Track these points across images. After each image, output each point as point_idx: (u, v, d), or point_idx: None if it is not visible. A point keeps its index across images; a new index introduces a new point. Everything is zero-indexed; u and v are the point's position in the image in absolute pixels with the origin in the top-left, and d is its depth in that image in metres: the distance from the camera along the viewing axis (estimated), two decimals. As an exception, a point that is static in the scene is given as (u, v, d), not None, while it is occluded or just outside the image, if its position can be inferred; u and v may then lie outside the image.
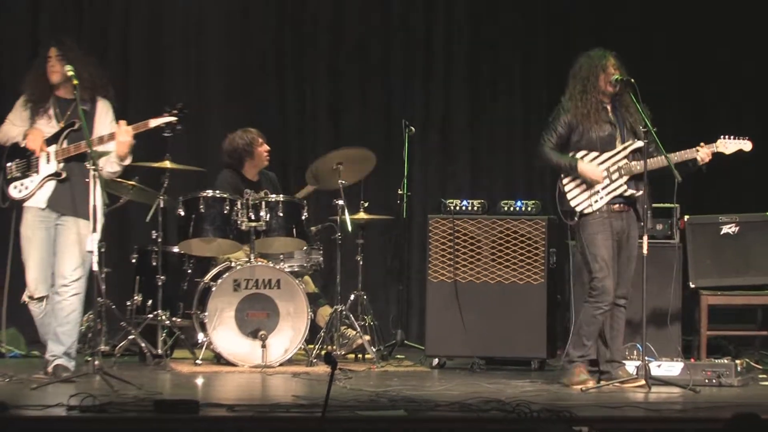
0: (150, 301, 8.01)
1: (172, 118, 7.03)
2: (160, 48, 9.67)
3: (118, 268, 8.45)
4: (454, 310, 7.93)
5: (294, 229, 7.96)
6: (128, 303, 8.10)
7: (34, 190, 6.93)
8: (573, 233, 7.09)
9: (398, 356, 8.54)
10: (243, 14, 9.78)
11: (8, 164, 6.97)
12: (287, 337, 7.81)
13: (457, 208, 8.07)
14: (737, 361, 7.18)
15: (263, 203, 7.91)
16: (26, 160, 6.94)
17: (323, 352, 7.81)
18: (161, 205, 7.95)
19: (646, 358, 6.86)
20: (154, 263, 7.97)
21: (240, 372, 7.60)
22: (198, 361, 7.74)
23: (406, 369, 8.03)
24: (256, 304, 7.80)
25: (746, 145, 7.03)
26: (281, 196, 8.05)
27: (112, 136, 6.86)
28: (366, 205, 8.38)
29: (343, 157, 8.13)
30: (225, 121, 9.32)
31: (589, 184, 6.97)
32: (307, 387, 6.91)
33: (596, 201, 6.97)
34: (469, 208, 8.07)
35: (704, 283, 7.99)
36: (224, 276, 7.81)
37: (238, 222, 7.89)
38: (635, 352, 7.17)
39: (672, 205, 7.74)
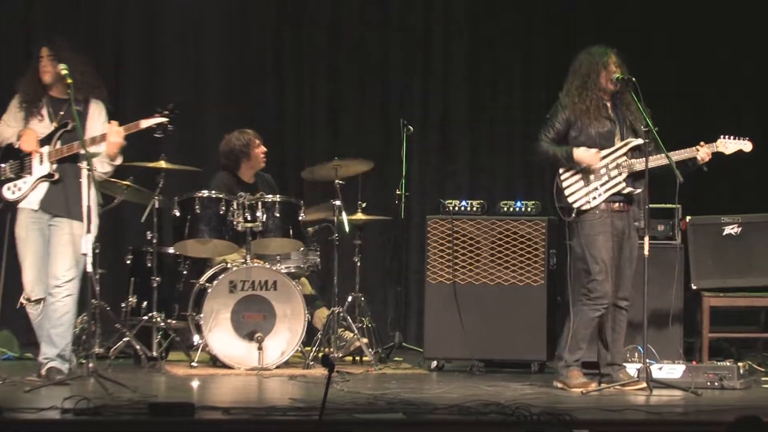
0: (145, 303, 7.99)
1: (164, 119, 7.02)
2: (156, 48, 9.66)
3: (113, 270, 8.42)
4: (452, 312, 7.91)
5: (291, 230, 7.95)
6: (123, 305, 8.08)
7: (27, 192, 6.92)
8: (570, 231, 7.04)
9: (396, 358, 8.54)
10: (241, 13, 9.78)
11: (2, 165, 6.96)
12: (284, 339, 7.79)
13: (456, 208, 8.06)
14: (740, 364, 7.18)
15: (259, 204, 7.90)
16: (20, 161, 6.94)
17: (320, 355, 7.83)
18: (156, 206, 7.94)
19: (647, 360, 6.86)
20: (149, 264, 7.96)
21: (236, 374, 7.59)
22: (193, 364, 7.74)
23: (404, 371, 8.02)
24: (252, 306, 7.78)
25: (746, 146, 7.02)
26: (278, 196, 8.05)
27: (104, 137, 6.85)
28: (364, 205, 8.39)
29: (341, 163, 8.17)
30: (222, 121, 9.32)
31: (587, 180, 6.95)
32: (304, 390, 6.90)
33: (594, 198, 6.95)
34: (469, 208, 8.06)
35: (706, 285, 7.97)
36: (220, 277, 7.80)
37: (234, 223, 7.88)
38: (636, 354, 7.17)
39: (673, 206, 7.74)
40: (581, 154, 6.92)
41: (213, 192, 7.96)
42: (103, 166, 6.93)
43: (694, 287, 7.95)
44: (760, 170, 9.15)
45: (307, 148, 9.67)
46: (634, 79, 6.89)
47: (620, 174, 6.95)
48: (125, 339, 7.79)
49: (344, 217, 8.04)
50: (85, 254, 6.61)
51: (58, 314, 6.85)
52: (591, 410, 5.92)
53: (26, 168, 6.91)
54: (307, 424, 5.36)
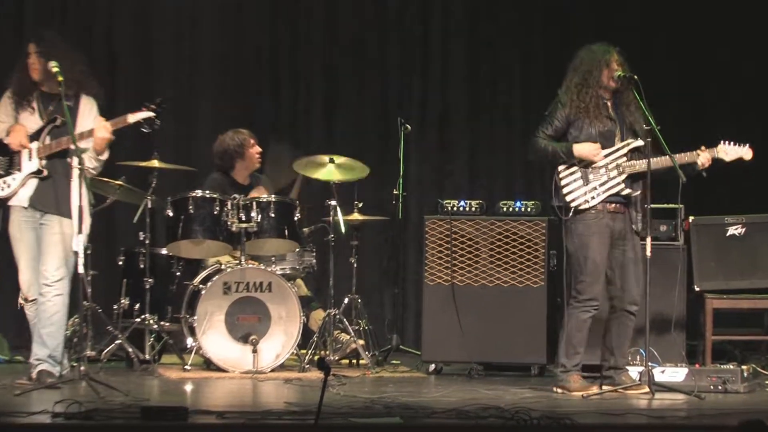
0: (137, 305, 7.97)
1: (151, 114, 6.99)
2: (148, 43, 9.66)
3: (105, 271, 8.39)
4: (451, 314, 7.88)
5: (286, 231, 7.93)
6: (115, 307, 8.05)
7: (16, 188, 6.90)
8: (566, 230, 7.01)
9: (394, 362, 8.51)
10: (236, 8, 9.77)
11: (-9, 161, 6.99)
12: (279, 341, 7.76)
13: (455, 208, 8.04)
14: (743, 367, 7.16)
15: (254, 204, 7.89)
16: (9, 157, 6.90)
17: (316, 358, 7.78)
18: (149, 206, 7.92)
19: (650, 363, 6.85)
20: (142, 265, 7.94)
21: (230, 378, 7.56)
22: (187, 367, 7.71)
23: (401, 375, 7.99)
24: (246, 308, 7.76)
25: (747, 154, 7.02)
26: (273, 196, 8.03)
27: (91, 132, 6.83)
28: (360, 205, 8.38)
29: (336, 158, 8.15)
30: (216, 118, 9.35)
31: (586, 179, 6.93)
32: (299, 393, 6.88)
33: (593, 197, 6.93)
34: (467, 208, 8.05)
35: (709, 286, 7.95)
36: (214, 279, 7.76)
37: (229, 223, 7.85)
38: (638, 357, 7.15)
39: (676, 206, 7.73)
40: (582, 148, 6.90)
41: (207, 192, 7.94)
42: (90, 161, 6.90)
43: (697, 289, 7.93)
44: (762, 170, 9.10)
45: (302, 146, 9.59)
46: (635, 76, 6.87)
47: (620, 175, 6.94)
48: (117, 342, 7.78)
49: (340, 217, 8.01)
50: (76, 252, 6.59)
51: (48, 314, 6.83)
52: (592, 414, 5.91)
53: (15, 164, 6.88)
54: (303, 429, 5.35)
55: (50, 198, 6.84)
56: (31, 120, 6.93)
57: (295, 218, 7.95)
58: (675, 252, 7.71)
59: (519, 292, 7.88)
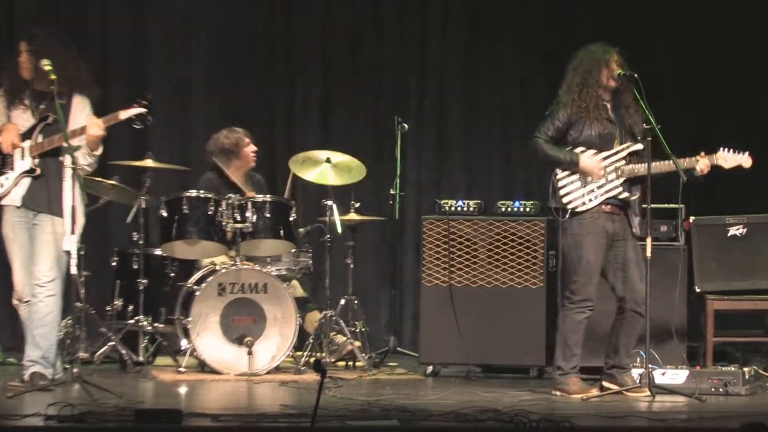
0: (131, 306, 7.95)
1: (142, 110, 6.95)
2: (142, 41, 9.65)
3: (98, 272, 8.35)
4: (449, 316, 7.86)
5: (281, 231, 7.91)
6: (108, 308, 8.04)
7: (9, 188, 6.88)
8: (562, 231, 7.01)
9: (391, 363, 8.50)
10: (231, 6, 9.73)
11: (-17, 161, 6.99)
12: (274, 343, 7.74)
13: (453, 208, 8.01)
14: (745, 369, 7.14)
15: (249, 204, 7.87)
16: (1, 156, 6.89)
17: (312, 360, 7.78)
18: (143, 206, 7.91)
19: (650, 365, 6.84)
20: (136, 266, 7.92)
21: (225, 380, 7.55)
22: (181, 369, 7.68)
23: (398, 377, 7.98)
24: (241, 309, 7.73)
25: (746, 162, 7.02)
26: (268, 196, 8.01)
27: (83, 130, 6.82)
28: (357, 205, 8.36)
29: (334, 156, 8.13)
30: (210, 116, 9.35)
31: (584, 181, 6.92)
32: (295, 396, 6.88)
33: (590, 200, 6.93)
34: (465, 208, 8.01)
35: (710, 287, 7.93)
36: (208, 280, 7.74)
37: (223, 223, 7.84)
38: (638, 359, 7.11)
39: (677, 206, 7.71)
40: (588, 163, 6.88)
41: (201, 192, 7.92)
42: (84, 158, 6.88)
43: (697, 290, 7.91)
44: (763, 170, 9.10)
45: (298, 145, 9.57)
46: (636, 75, 6.86)
47: (618, 178, 6.92)
48: (111, 343, 7.77)
49: (337, 217, 7.99)
50: (67, 252, 6.58)
51: (41, 315, 6.80)
52: (592, 417, 5.92)
53: (8, 163, 6.87)
54: (299, 432, 5.34)
55: (43, 197, 6.82)
56: (23, 118, 6.91)
57: (291, 218, 7.93)
58: (675, 252, 7.69)
59: (517, 293, 7.86)
